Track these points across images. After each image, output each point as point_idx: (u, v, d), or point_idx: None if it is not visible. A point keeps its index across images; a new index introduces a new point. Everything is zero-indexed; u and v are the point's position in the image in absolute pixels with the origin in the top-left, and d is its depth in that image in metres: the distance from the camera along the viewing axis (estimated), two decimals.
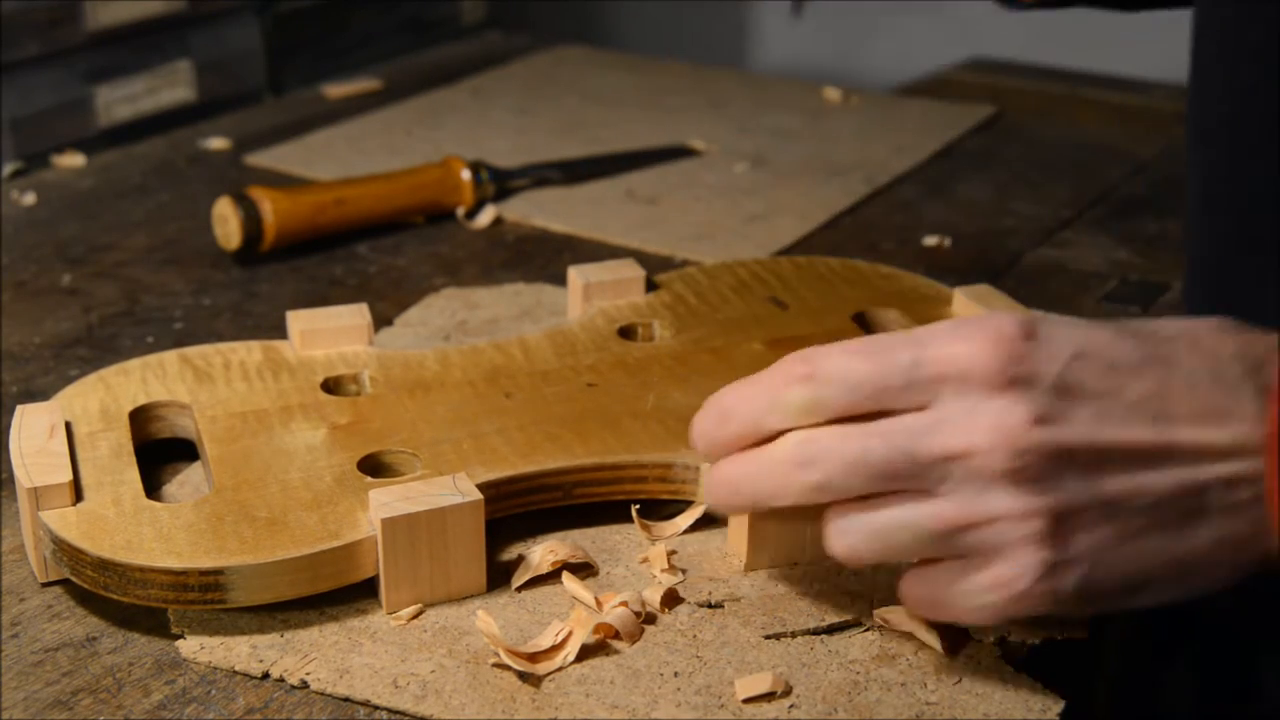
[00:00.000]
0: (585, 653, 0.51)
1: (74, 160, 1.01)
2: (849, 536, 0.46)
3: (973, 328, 0.44)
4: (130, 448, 0.57)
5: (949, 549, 0.45)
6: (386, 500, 0.52)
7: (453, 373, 0.63)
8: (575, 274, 0.71)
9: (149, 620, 0.53)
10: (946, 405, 0.44)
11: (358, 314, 0.65)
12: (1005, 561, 0.44)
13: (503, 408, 0.60)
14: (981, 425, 0.43)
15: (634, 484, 0.58)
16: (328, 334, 0.64)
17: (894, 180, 0.98)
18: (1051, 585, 0.43)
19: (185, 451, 0.62)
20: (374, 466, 0.57)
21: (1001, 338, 0.44)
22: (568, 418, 0.60)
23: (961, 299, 0.69)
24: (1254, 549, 0.44)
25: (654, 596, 0.53)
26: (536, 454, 0.57)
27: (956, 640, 0.51)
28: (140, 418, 0.60)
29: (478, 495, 0.53)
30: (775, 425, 0.46)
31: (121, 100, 1.07)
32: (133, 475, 0.55)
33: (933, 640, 0.50)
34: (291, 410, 0.60)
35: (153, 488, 0.59)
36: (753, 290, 0.72)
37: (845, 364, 0.45)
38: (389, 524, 0.51)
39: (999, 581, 0.44)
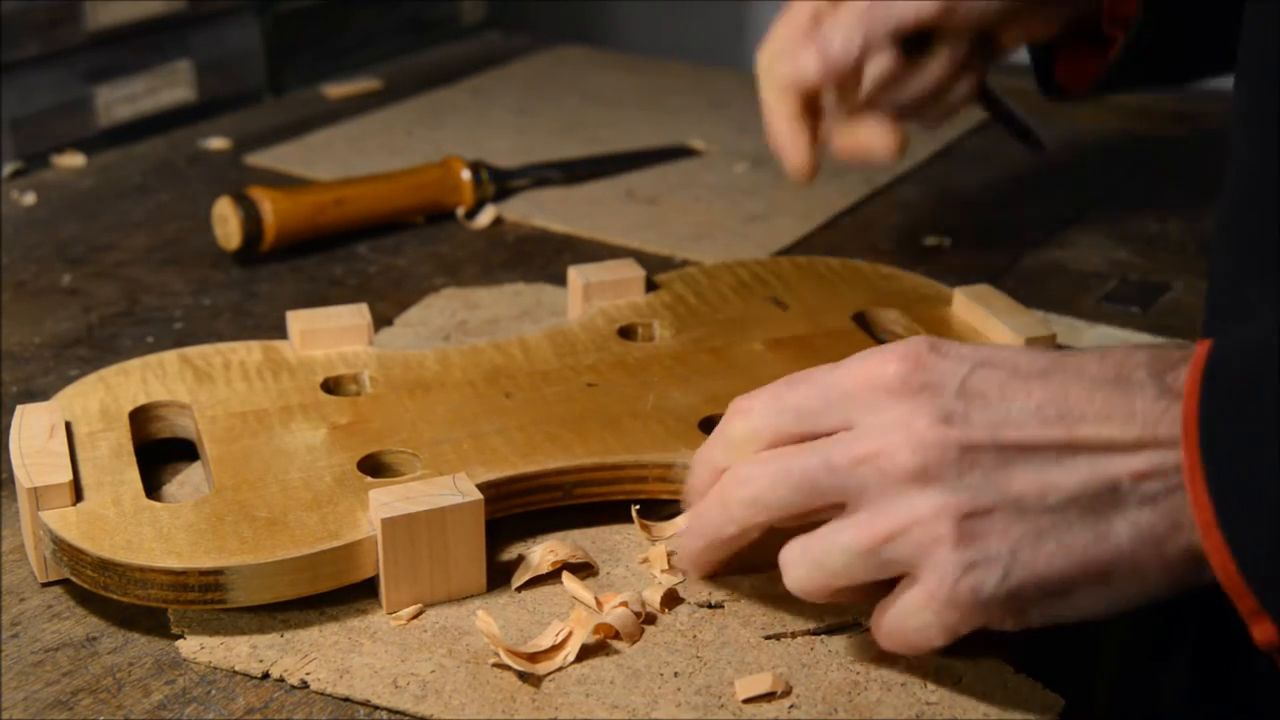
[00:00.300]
0: (585, 653, 0.51)
1: (74, 160, 1.01)
2: (796, 568, 0.48)
3: (883, 349, 0.47)
4: (130, 448, 0.57)
5: (880, 567, 0.46)
6: (386, 500, 0.52)
7: (453, 373, 0.63)
8: (575, 274, 0.71)
9: (149, 620, 0.53)
10: (861, 418, 0.46)
11: (358, 314, 0.65)
12: (926, 570, 0.45)
13: (503, 408, 0.60)
14: (888, 427, 0.45)
15: (634, 484, 0.58)
16: (328, 334, 0.64)
17: (894, 180, 0.98)
18: (972, 587, 0.44)
19: (185, 451, 0.62)
20: (374, 466, 0.57)
21: (907, 353, 0.46)
22: (568, 418, 0.60)
23: (961, 299, 0.69)
24: (1177, 544, 0.44)
25: (654, 597, 0.53)
26: (536, 454, 0.57)
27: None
28: (140, 418, 0.60)
29: (478, 495, 0.53)
30: (725, 462, 0.50)
31: (121, 100, 1.07)
32: (133, 475, 0.55)
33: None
34: (291, 410, 0.60)
35: (153, 488, 0.59)
36: (753, 290, 0.72)
37: (775, 392, 0.49)
38: (389, 524, 0.51)
39: (927, 593, 0.45)
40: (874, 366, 0.46)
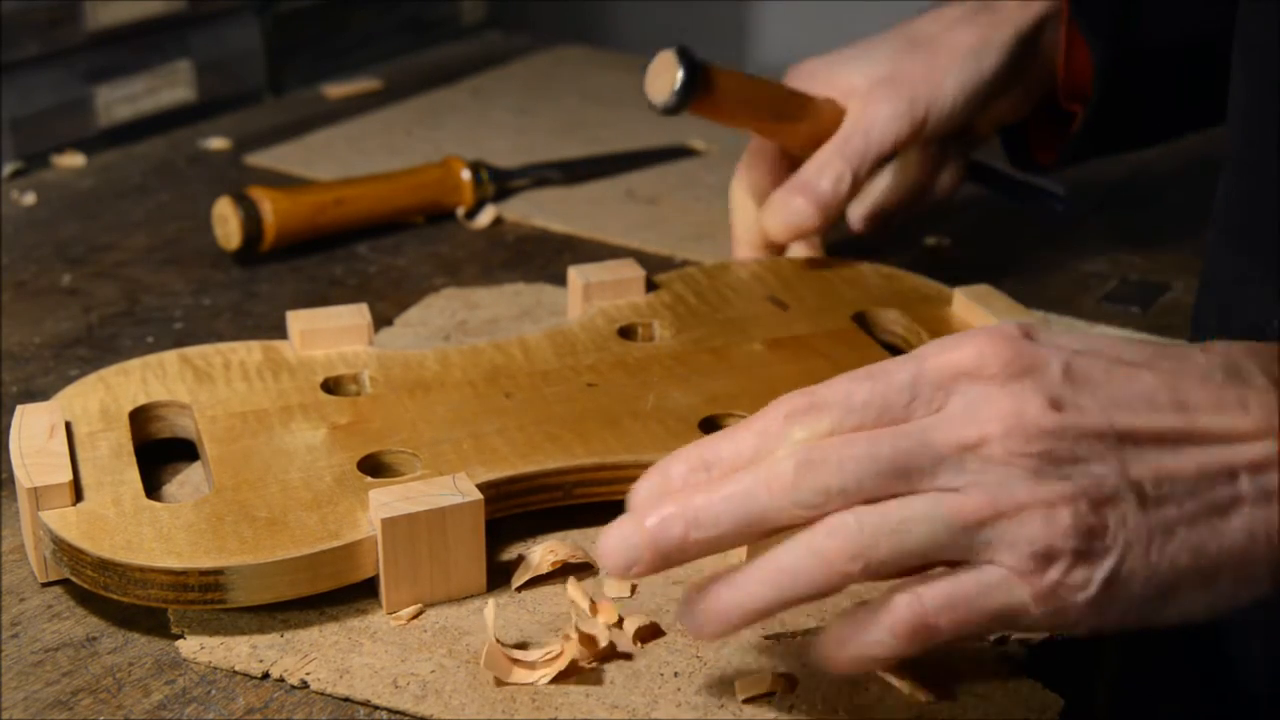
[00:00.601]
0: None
1: (74, 160, 1.01)
2: (858, 531, 0.42)
3: (972, 333, 0.44)
4: (130, 448, 0.57)
5: (966, 549, 0.42)
6: (386, 500, 0.52)
7: (453, 373, 0.63)
8: (575, 274, 0.71)
9: (149, 620, 0.53)
10: (956, 402, 0.43)
11: (358, 314, 0.65)
12: (1032, 554, 0.41)
13: (503, 408, 0.60)
14: (995, 413, 0.42)
15: (634, 483, 0.57)
16: (328, 334, 0.64)
17: None
18: (1084, 576, 0.41)
19: (185, 451, 0.62)
20: (374, 466, 0.57)
21: (1002, 336, 0.43)
22: (568, 418, 0.60)
23: (961, 299, 0.69)
24: None
25: (632, 627, 0.52)
26: (536, 454, 0.57)
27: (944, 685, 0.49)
28: (140, 418, 0.60)
29: (477, 495, 0.53)
30: (764, 452, 0.44)
31: (121, 100, 1.07)
32: (133, 475, 0.55)
33: (917, 692, 0.49)
34: (291, 410, 0.60)
35: (153, 488, 0.59)
36: (753, 290, 0.72)
37: (847, 388, 0.44)
38: (389, 524, 0.51)
39: (1025, 573, 0.41)
40: (965, 353, 0.43)
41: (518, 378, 0.63)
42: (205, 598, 0.51)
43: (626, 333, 0.68)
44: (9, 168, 1.00)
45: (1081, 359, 0.43)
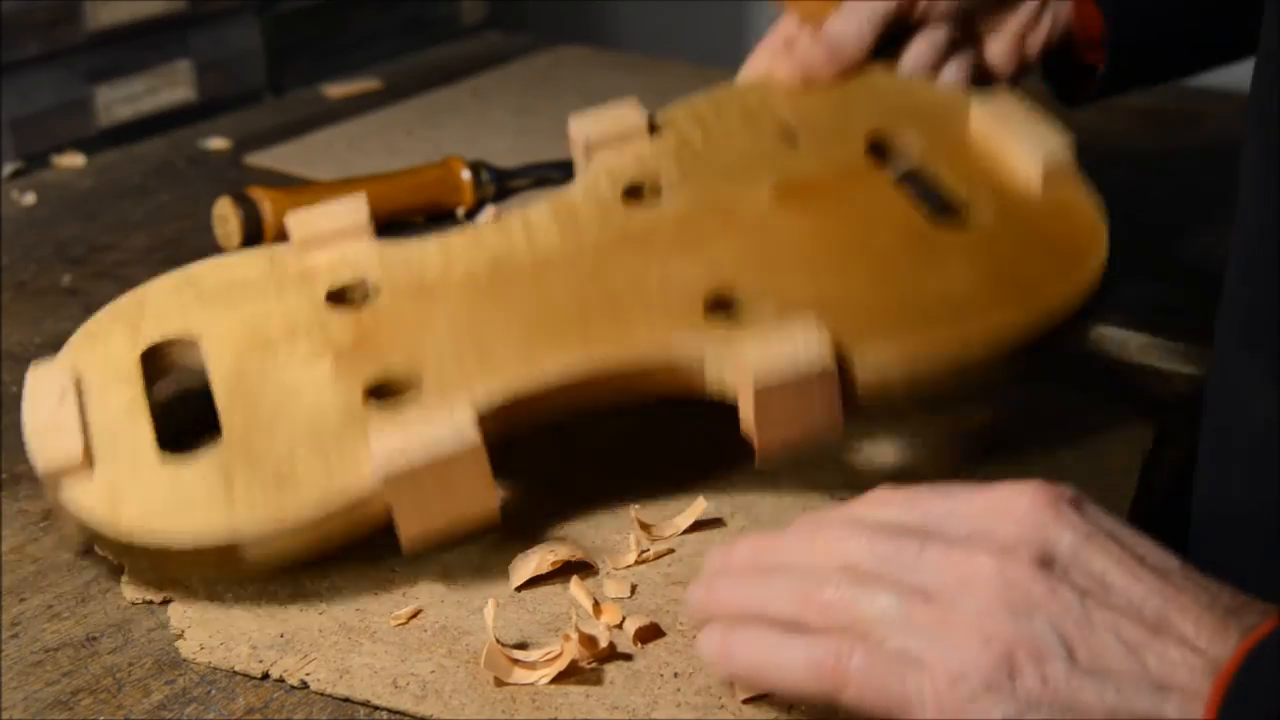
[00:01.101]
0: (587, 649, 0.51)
1: (74, 160, 1.01)
2: (834, 589, 0.46)
3: (1029, 483, 0.46)
4: (143, 400, 0.57)
5: (905, 634, 0.44)
6: (387, 448, 0.52)
7: (455, 268, 0.62)
8: (575, 126, 0.69)
9: (149, 620, 0.53)
10: (974, 531, 0.46)
11: (356, 209, 0.64)
12: (951, 669, 0.43)
13: (505, 307, 0.59)
14: (990, 547, 0.45)
15: (642, 382, 0.57)
16: (328, 235, 0.63)
17: None
18: (986, 709, 0.42)
19: (201, 410, 0.61)
20: (379, 388, 0.57)
21: (1049, 492, 0.46)
22: (570, 311, 0.59)
23: (980, 114, 0.67)
24: None
25: (632, 627, 0.52)
26: (541, 360, 0.56)
27: None
28: (151, 359, 0.60)
29: (476, 439, 0.53)
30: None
31: (121, 100, 1.07)
32: (145, 432, 0.55)
33: None
34: (296, 333, 0.59)
35: (168, 438, 0.58)
36: (761, 118, 0.69)
37: (911, 494, 0.49)
38: (391, 479, 0.52)
39: (938, 682, 0.43)
40: (1012, 494, 0.46)
41: (520, 266, 0.61)
42: (222, 563, 0.53)
43: (632, 192, 0.66)
44: (9, 168, 1.00)
45: (1100, 541, 0.45)
